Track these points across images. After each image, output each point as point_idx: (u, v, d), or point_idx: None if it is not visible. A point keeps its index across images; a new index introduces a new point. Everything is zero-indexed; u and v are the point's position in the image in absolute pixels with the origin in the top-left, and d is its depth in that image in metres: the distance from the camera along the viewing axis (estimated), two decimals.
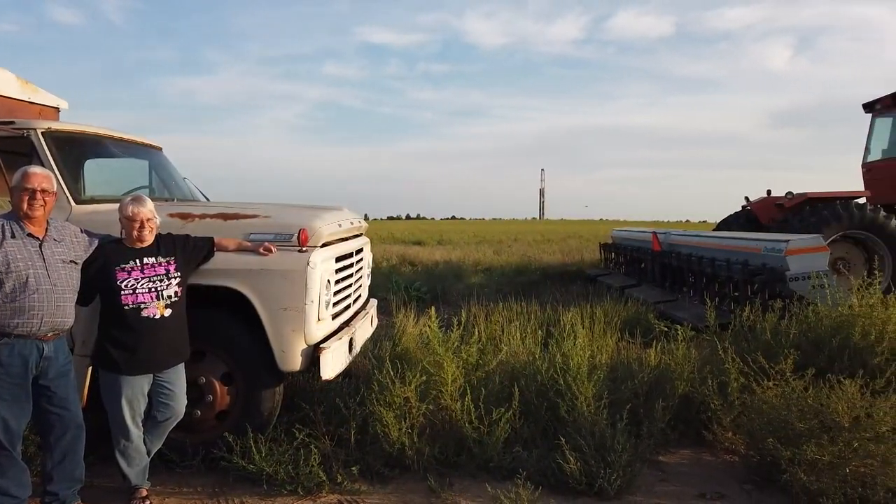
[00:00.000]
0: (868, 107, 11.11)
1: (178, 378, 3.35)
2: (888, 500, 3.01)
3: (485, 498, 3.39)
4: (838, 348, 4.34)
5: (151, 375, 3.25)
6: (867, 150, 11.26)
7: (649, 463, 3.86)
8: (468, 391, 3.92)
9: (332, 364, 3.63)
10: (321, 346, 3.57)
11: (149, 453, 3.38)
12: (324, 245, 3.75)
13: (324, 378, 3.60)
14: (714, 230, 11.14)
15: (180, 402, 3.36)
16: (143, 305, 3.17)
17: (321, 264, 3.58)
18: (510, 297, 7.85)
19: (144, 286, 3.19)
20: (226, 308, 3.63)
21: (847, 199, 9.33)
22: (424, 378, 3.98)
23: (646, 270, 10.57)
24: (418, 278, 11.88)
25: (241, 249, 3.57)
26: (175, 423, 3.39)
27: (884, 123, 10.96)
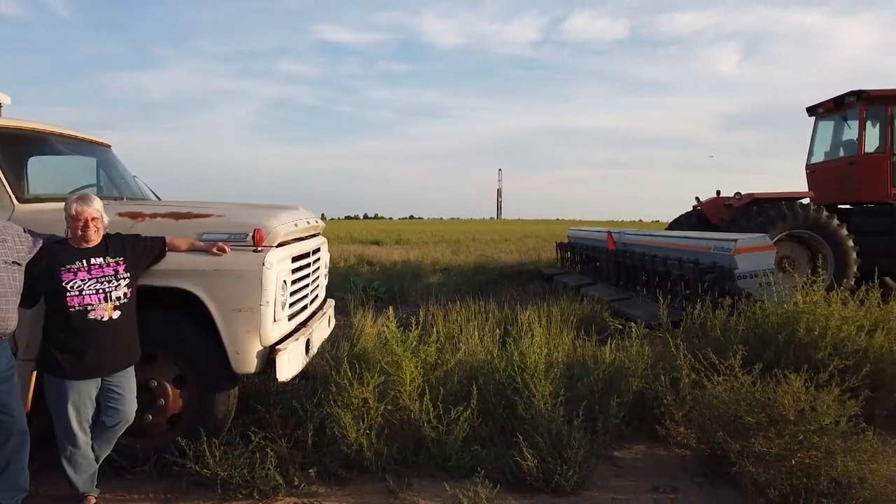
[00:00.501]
0: (811, 110, 11.53)
1: (127, 382, 3.25)
2: (831, 490, 3.13)
3: (443, 497, 3.39)
4: (784, 344, 4.49)
5: (99, 379, 3.15)
6: (810, 153, 11.69)
7: (605, 458, 3.93)
8: (427, 391, 3.92)
9: (289, 365, 3.59)
10: (277, 347, 3.52)
11: (97, 459, 3.28)
12: (279, 245, 3.70)
13: (280, 380, 3.55)
14: (666, 230, 11.40)
15: (130, 407, 3.27)
16: (90, 307, 3.07)
17: (277, 264, 3.53)
18: (468, 297, 7.89)
19: (91, 287, 3.09)
20: (178, 309, 3.54)
21: (792, 199, 9.67)
22: (383, 378, 3.96)
23: (601, 269, 10.76)
24: (376, 278, 11.83)
25: (193, 249, 3.49)
26: (125, 428, 3.29)
27: (826, 126, 11.39)
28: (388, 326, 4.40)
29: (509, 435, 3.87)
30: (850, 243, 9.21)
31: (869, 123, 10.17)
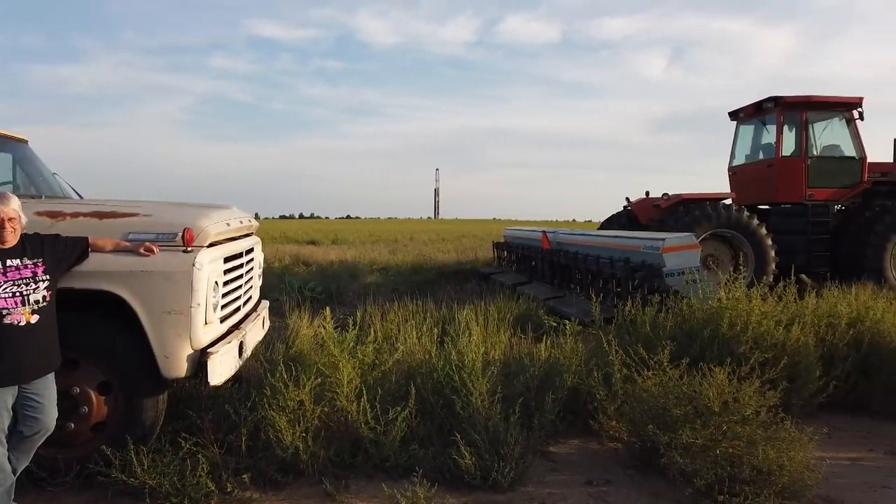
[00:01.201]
0: (733, 115, 12.08)
1: (46, 389, 3.09)
2: (753, 478, 3.28)
3: (381, 498, 3.38)
4: (709, 339, 4.68)
5: (16, 387, 2.98)
6: (732, 155, 12.25)
7: (541, 454, 4.00)
8: (364, 392, 3.89)
9: (221, 369, 3.49)
10: (209, 350, 3.42)
11: (14, 472, 3.09)
12: (211, 245, 3.59)
13: (212, 384, 3.45)
14: (598, 229, 11.70)
15: (50, 415, 3.10)
16: (5, 312, 2.90)
17: (208, 265, 3.43)
18: (406, 296, 7.87)
19: (7, 291, 2.92)
20: (102, 313, 3.39)
21: (715, 200, 10.11)
22: (319, 380, 3.91)
23: (536, 268, 10.95)
24: (312, 278, 11.65)
25: (119, 250, 3.35)
26: (44, 437, 3.12)
27: (747, 130, 11.96)
28: (324, 327, 4.35)
29: (447, 434, 3.89)
30: (769, 242, 9.71)
31: (786, 128, 10.73)
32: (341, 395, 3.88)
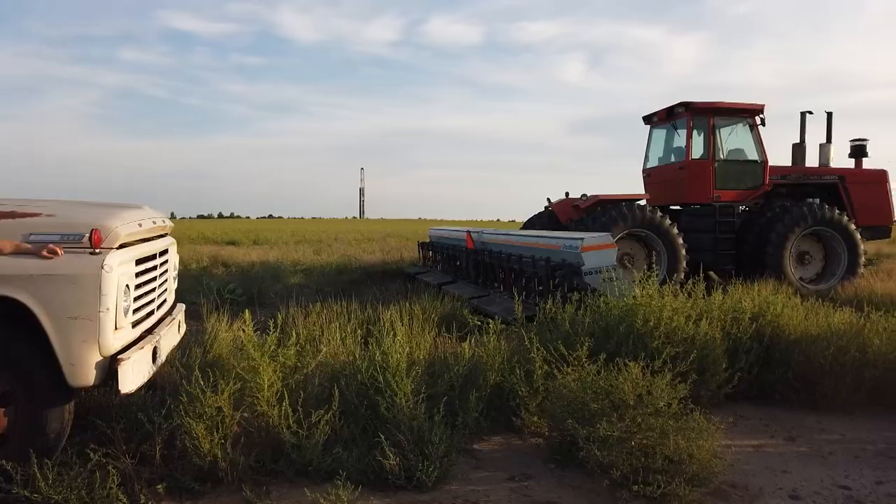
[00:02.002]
0: (647, 119, 12.60)
1: None
2: (666, 467, 3.43)
3: (304, 502, 3.33)
4: (624, 334, 4.86)
5: None
6: (646, 158, 12.78)
7: (465, 452, 4.05)
8: (286, 395, 3.82)
9: (133, 376, 3.34)
10: (119, 357, 3.27)
11: None
12: (121, 246, 3.43)
13: (123, 392, 3.30)
14: (521, 229, 11.94)
15: None
16: None
17: (118, 267, 3.27)
18: (330, 297, 7.78)
19: None
20: (2, 319, 3.18)
21: (631, 201, 10.51)
22: (239, 385, 3.81)
23: (461, 268, 11.05)
24: (232, 280, 11.31)
25: (19, 252, 3.15)
26: None
27: (659, 134, 12.50)
28: (244, 330, 4.24)
29: (372, 435, 3.87)
30: (680, 241, 10.18)
31: (695, 132, 11.29)
32: (262, 399, 3.79)
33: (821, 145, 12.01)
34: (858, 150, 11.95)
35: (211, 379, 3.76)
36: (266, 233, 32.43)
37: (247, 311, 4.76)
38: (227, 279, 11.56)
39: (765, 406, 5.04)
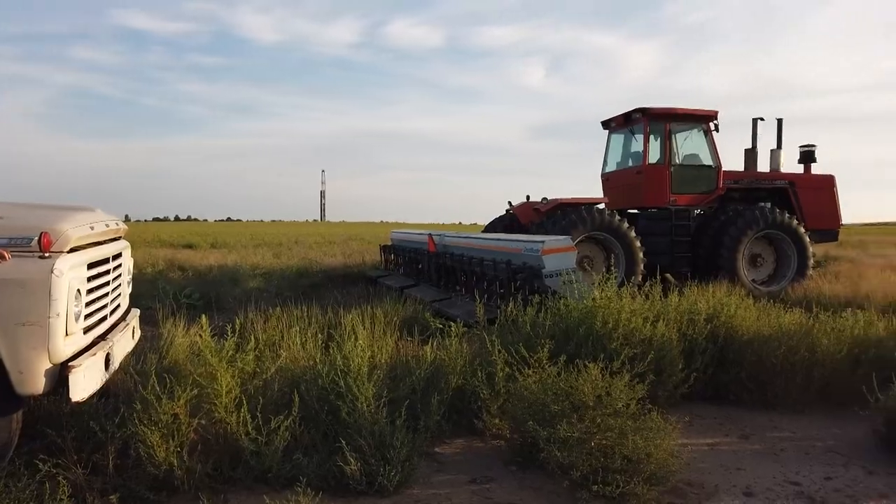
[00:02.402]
0: (605, 124, 12.81)
1: None
2: (624, 467, 3.49)
3: None
4: (584, 336, 4.92)
5: None
6: (605, 163, 12.98)
7: (426, 455, 4.04)
8: (244, 401, 3.75)
9: (85, 384, 3.24)
10: (70, 364, 3.17)
11: None
12: (72, 250, 3.33)
13: (74, 400, 3.20)
14: (482, 232, 12.00)
15: None
16: None
17: (69, 272, 3.18)
18: (291, 301, 7.68)
19: None
20: None
21: (590, 204, 10.66)
22: (196, 391, 3.73)
23: (423, 271, 11.05)
24: (189, 284, 11.08)
25: None
26: None
27: (617, 139, 12.72)
28: (201, 335, 4.15)
29: (332, 441, 3.83)
30: (638, 244, 10.36)
31: (652, 137, 11.52)
32: (220, 405, 3.72)
33: (772, 151, 12.38)
34: (807, 156, 12.36)
35: (167, 385, 3.67)
36: (224, 236, 31.87)
37: (204, 315, 4.66)
38: (184, 283, 11.32)
39: (720, 405, 5.17)
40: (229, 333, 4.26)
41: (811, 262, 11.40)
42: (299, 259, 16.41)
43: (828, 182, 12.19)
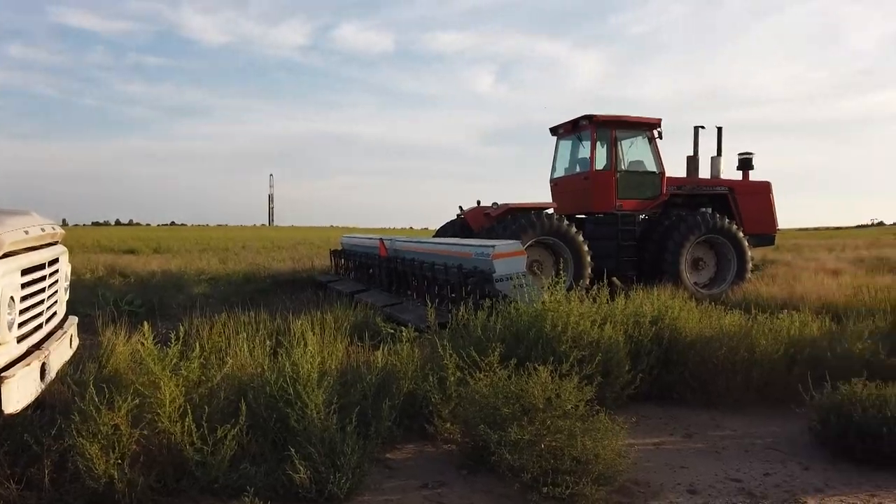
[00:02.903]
0: (553, 131, 13.02)
1: None
2: (574, 468, 3.54)
3: None
4: (534, 339, 4.97)
5: None
6: (553, 168, 13.19)
7: (377, 462, 4.01)
8: (189, 410, 3.65)
9: (18, 395, 3.09)
10: (3, 374, 3.02)
11: None
12: (5, 255, 3.18)
13: (7, 412, 3.04)
14: (433, 237, 12.00)
15: None
16: None
17: (2, 279, 3.03)
18: (237, 308, 7.52)
19: None
20: None
21: (539, 209, 10.81)
22: (137, 401, 3.60)
23: (374, 276, 10.98)
24: (131, 291, 10.73)
25: None
26: None
27: (565, 145, 12.94)
28: (143, 343, 4.02)
29: (281, 449, 3.76)
30: (586, 248, 10.55)
31: (599, 144, 11.76)
32: (163, 415, 3.60)
33: (712, 158, 12.81)
34: (745, 163, 12.84)
35: (107, 395, 3.54)
36: (168, 241, 30.96)
37: (146, 323, 4.52)
38: (125, 290, 10.96)
39: (664, 405, 5.30)
40: (173, 341, 4.14)
41: (750, 265, 11.82)
42: (247, 264, 16.07)
43: (765, 188, 12.68)
